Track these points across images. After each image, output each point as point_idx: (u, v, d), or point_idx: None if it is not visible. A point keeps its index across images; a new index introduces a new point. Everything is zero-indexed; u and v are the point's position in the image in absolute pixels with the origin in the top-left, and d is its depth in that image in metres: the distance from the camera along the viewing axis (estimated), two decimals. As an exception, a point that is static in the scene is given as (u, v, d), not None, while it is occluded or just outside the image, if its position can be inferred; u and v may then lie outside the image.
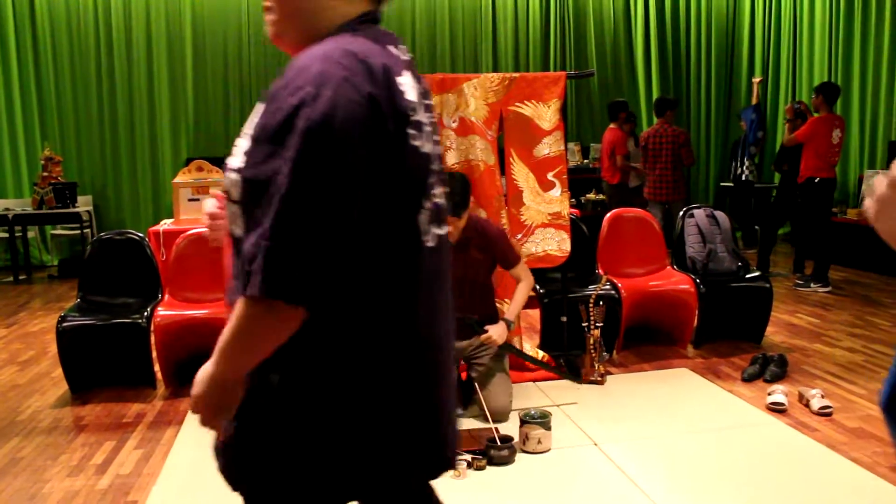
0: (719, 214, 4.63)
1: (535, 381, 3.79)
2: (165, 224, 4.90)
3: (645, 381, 3.79)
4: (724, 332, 4.45)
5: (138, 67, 7.92)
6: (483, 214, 3.68)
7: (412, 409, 1.18)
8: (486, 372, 3.31)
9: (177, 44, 8.00)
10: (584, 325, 3.83)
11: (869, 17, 7.52)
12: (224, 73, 8.14)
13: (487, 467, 2.85)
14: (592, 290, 4.02)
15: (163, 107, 8.01)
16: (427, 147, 1.17)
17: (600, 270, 4.43)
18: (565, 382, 3.75)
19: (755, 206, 7.66)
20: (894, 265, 6.30)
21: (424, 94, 1.22)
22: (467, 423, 3.23)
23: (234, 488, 1.21)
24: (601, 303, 3.82)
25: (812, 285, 5.92)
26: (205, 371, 1.12)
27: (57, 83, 7.78)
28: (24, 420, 3.48)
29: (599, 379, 3.75)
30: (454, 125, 3.70)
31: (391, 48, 1.17)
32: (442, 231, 1.25)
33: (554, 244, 3.81)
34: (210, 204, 1.36)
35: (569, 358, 3.99)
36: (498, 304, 3.60)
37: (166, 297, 3.96)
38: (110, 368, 3.87)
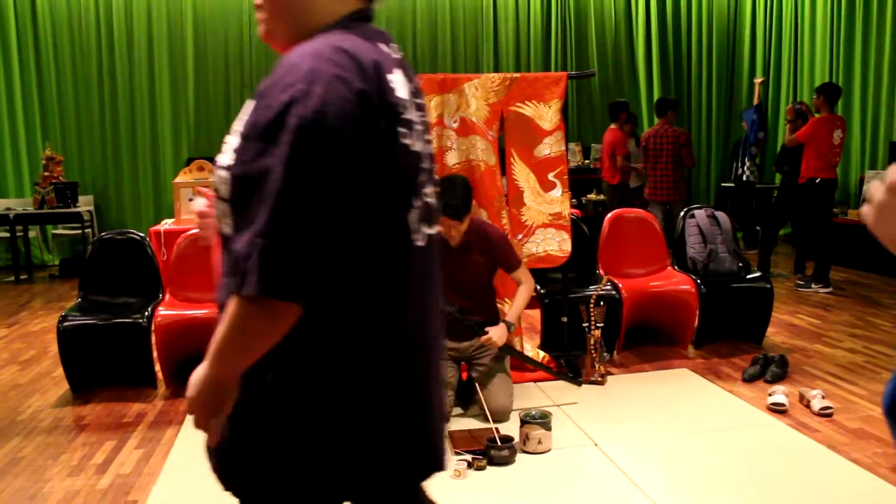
0: (720, 215, 4.62)
1: (535, 381, 3.79)
2: (166, 224, 4.91)
3: (645, 382, 3.79)
4: (724, 332, 4.45)
5: (139, 67, 7.92)
6: (484, 215, 3.68)
7: (403, 408, 1.18)
8: (486, 372, 3.32)
9: (178, 44, 8.00)
10: (584, 325, 3.83)
11: (870, 18, 7.52)
12: (225, 74, 8.14)
13: (488, 467, 2.85)
14: (593, 290, 4.02)
15: (164, 107, 8.01)
16: (417, 146, 1.16)
17: (601, 271, 4.43)
18: (566, 383, 3.75)
19: (756, 207, 7.65)
20: (895, 266, 6.30)
21: (415, 93, 1.21)
22: (468, 423, 3.23)
23: (226, 488, 1.21)
24: (602, 303, 3.82)
25: (813, 286, 5.92)
26: (199, 373, 1.11)
27: (58, 83, 7.79)
28: (24, 420, 3.48)
29: (600, 379, 3.75)
30: (455, 125, 3.70)
31: (382, 46, 1.17)
32: (432, 230, 1.25)
33: (555, 244, 3.81)
34: (199, 203, 1.35)
35: (569, 358, 3.99)
36: (499, 305, 3.60)
37: (167, 296, 3.96)
38: (111, 368, 3.88)
